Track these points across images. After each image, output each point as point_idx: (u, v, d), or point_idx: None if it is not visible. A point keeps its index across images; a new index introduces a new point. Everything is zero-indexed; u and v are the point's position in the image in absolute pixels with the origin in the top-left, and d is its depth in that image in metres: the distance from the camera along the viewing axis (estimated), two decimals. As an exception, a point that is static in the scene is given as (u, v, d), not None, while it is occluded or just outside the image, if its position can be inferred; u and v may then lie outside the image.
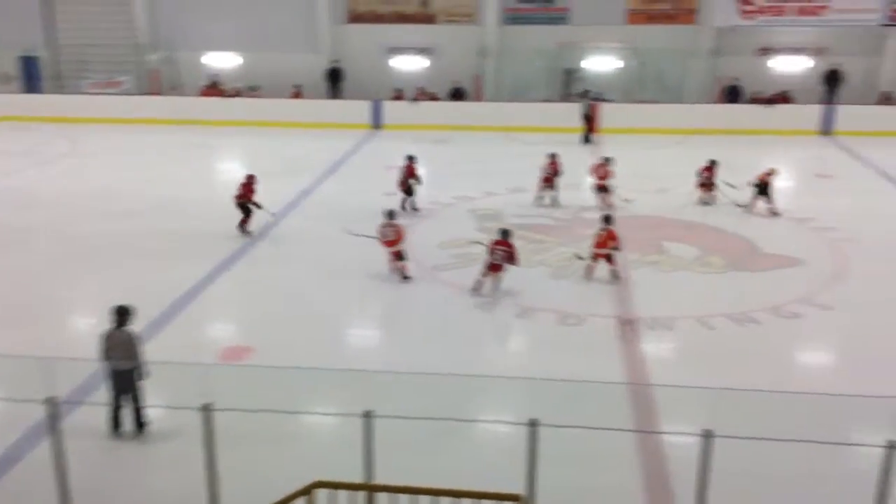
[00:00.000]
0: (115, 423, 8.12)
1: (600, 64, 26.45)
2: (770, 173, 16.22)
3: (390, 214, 12.99)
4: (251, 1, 27.13)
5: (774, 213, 15.93)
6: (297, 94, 26.63)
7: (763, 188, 16.12)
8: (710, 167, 16.96)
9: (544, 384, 8.59)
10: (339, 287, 12.45)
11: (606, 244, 12.57)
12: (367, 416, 6.19)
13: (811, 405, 8.02)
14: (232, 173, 21.39)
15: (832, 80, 24.68)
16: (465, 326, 11.06)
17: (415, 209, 16.40)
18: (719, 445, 6.10)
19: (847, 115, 23.73)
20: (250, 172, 15.37)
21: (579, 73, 26.83)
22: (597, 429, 6.63)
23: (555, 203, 16.82)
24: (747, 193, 16.28)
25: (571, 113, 24.61)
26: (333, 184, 18.90)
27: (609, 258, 12.62)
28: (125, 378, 7.99)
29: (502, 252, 11.97)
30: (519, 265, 12.10)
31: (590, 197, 17.12)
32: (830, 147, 22.72)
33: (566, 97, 26.58)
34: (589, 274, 12.64)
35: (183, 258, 13.51)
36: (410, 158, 16.79)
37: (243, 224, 14.78)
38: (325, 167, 20.10)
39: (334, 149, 21.75)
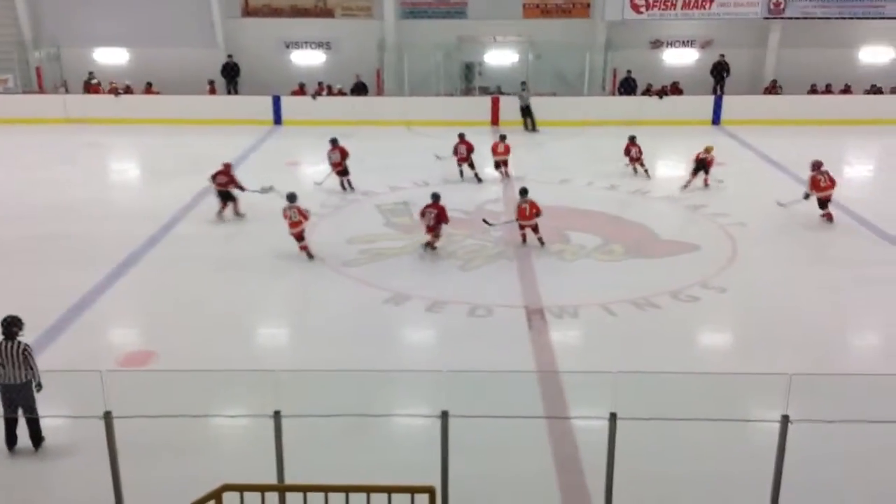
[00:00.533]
0: (9, 439, 7.72)
1: (499, 58, 26.76)
2: (708, 151, 17.52)
3: (291, 198, 13.41)
4: (141, -5, 26.16)
5: (707, 185, 17.46)
6: (213, 90, 25.85)
7: (701, 165, 17.38)
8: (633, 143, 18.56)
9: (456, 376, 8.63)
10: (243, 286, 12.20)
11: (531, 215, 13.70)
12: (277, 416, 6.10)
13: (711, 384, 8.37)
14: (126, 173, 20.72)
15: (719, 71, 25.75)
16: (375, 321, 11.02)
17: (352, 188, 17.47)
18: (626, 427, 6.29)
19: (733, 104, 24.81)
20: (226, 161, 15.91)
21: (479, 67, 27.08)
22: (507, 417, 6.74)
23: (478, 178, 18.21)
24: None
25: (473, 106, 24.85)
26: (234, 182, 18.43)
27: (535, 227, 13.71)
28: (17, 391, 7.62)
29: (434, 213, 13.43)
30: (448, 223, 13.67)
31: (493, 191, 17.37)
32: (719, 136, 23.69)
33: (467, 91, 26.79)
34: (523, 241, 13.95)
35: (77, 262, 12.94)
36: (334, 141, 17.72)
37: (222, 210, 15.30)
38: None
39: (235, 145, 21.22)
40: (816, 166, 15.17)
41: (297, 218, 13.14)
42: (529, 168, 19.44)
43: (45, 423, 7.77)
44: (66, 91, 26.08)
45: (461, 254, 13.54)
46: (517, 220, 13.89)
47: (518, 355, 9.99)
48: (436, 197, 13.71)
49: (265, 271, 12.78)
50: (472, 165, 18.35)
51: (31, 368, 7.64)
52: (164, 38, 26.19)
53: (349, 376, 8.41)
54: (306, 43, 27.05)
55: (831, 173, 15.18)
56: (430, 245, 13.56)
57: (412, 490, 6.00)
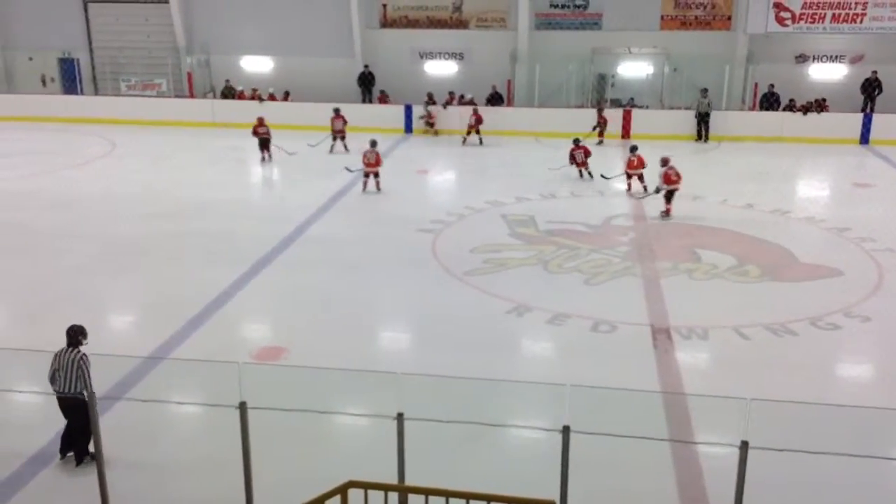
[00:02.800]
0: (62, 445, 7.71)
1: (633, 70, 26.28)
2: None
3: (373, 143, 18.19)
4: (286, 6, 27.36)
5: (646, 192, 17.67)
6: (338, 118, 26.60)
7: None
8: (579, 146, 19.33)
9: (577, 391, 8.52)
10: (369, 288, 12.49)
11: (638, 166, 17.56)
12: (400, 417, 6.20)
13: (849, 418, 7.88)
14: (264, 175, 21.69)
15: (870, 88, 24.31)
16: (497, 331, 11.02)
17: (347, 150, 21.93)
18: (755, 457, 6.01)
19: (886, 123, 23.34)
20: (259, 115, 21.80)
21: (612, 79, 26.70)
22: (629, 437, 6.56)
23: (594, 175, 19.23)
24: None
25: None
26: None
27: (640, 177, 17.43)
28: (68, 404, 7.44)
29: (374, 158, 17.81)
30: (382, 165, 17.84)
31: (622, 206, 17.11)
32: (869, 156, 22.37)
33: (599, 102, 26.46)
34: (628, 191, 17.68)
35: (217, 259, 13.64)
36: (336, 111, 22.83)
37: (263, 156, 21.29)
38: (359, 171, 20.15)
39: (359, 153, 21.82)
40: (665, 162, 16.38)
41: (373, 160, 17.72)
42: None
43: (181, 410, 8.16)
44: (215, 96, 27.61)
45: (586, 268, 13.35)
46: (626, 171, 17.65)
47: (641, 374, 9.73)
48: (373, 143, 18.22)
49: (390, 275, 13.05)
50: (589, 172, 19.29)
51: (84, 379, 7.38)
52: (305, 47, 27.30)
53: (469, 384, 8.44)
54: (440, 53, 27.50)
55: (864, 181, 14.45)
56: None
57: (533, 502, 5.95)
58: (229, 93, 27.61)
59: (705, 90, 23.94)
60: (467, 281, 12.82)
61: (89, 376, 7.41)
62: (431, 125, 24.96)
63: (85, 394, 7.20)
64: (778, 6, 24.40)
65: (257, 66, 28.21)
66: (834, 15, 24.29)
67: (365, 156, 18.06)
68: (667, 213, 16.20)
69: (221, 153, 22.81)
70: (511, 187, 18.48)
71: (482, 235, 15.04)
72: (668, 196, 16.23)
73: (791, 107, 24.20)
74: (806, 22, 24.49)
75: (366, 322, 11.33)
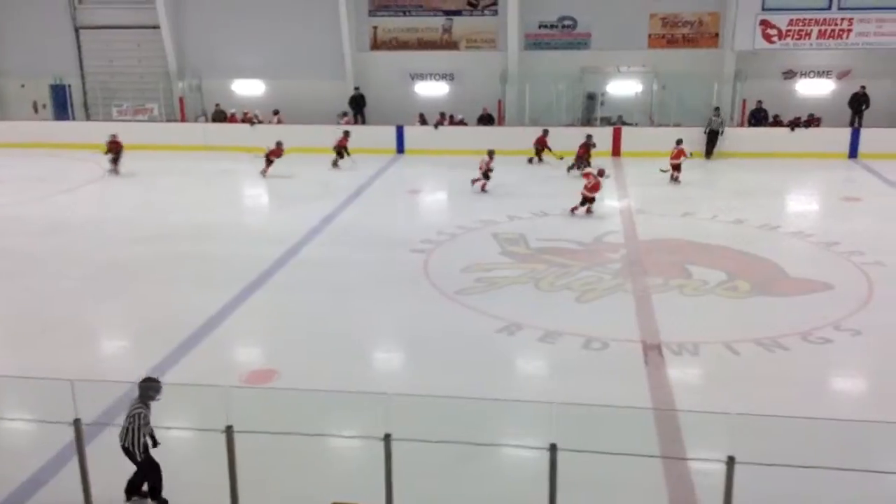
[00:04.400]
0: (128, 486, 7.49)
1: (622, 88, 26.48)
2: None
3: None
4: (278, 30, 27.55)
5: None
6: (349, 121, 26.79)
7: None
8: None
9: (568, 409, 8.51)
10: (360, 310, 12.49)
11: (679, 157, 20.20)
12: (387, 439, 6.19)
13: (840, 432, 7.89)
14: (257, 198, 21.72)
15: (858, 102, 24.51)
16: (488, 350, 11.02)
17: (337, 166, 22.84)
18: (746, 472, 6.01)
19: (873, 137, 23.52)
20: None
21: (602, 98, 26.88)
22: (617, 454, 6.55)
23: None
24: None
25: (594, 137, 24.65)
26: (356, 209, 19.02)
27: (679, 167, 20.08)
28: (125, 454, 7.22)
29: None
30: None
31: (612, 223, 17.20)
32: (857, 170, 22.52)
33: (589, 121, 26.62)
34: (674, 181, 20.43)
35: (208, 282, 13.63)
36: (346, 133, 23.48)
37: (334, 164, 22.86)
38: (349, 192, 20.24)
39: (359, 174, 21.92)
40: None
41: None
42: (649, 200, 19.07)
43: (168, 434, 8.13)
44: (206, 120, 27.71)
45: (577, 285, 13.38)
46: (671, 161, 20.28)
47: (633, 391, 9.73)
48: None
49: (381, 297, 13.05)
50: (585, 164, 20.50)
51: (132, 434, 7.06)
52: (297, 70, 27.46)
53: (461, 403, 8.43)
54: (431, 74, 27.68)
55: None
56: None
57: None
58: (220, 116, 27.74)
59: (717, 108, 24.23)
60: (459, 300, 12.83)
61: (139, 434, 7.06)
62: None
63: (132, 450, 7.09)
64: (765, 23, 24.64)
65: (249, 89, 28.35)
66: (820, 31, 24.53)
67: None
68: (587, 212, 17.75)
69: (213, 176, 22.87)
70: (503, 206, 18.54)
71: (474, 254, 15.07)
72: (587, 201, 17.67)
73: (778, 123, 24.36)
74: (793, 38, 24.72)
75: (357, 343, 11.32)
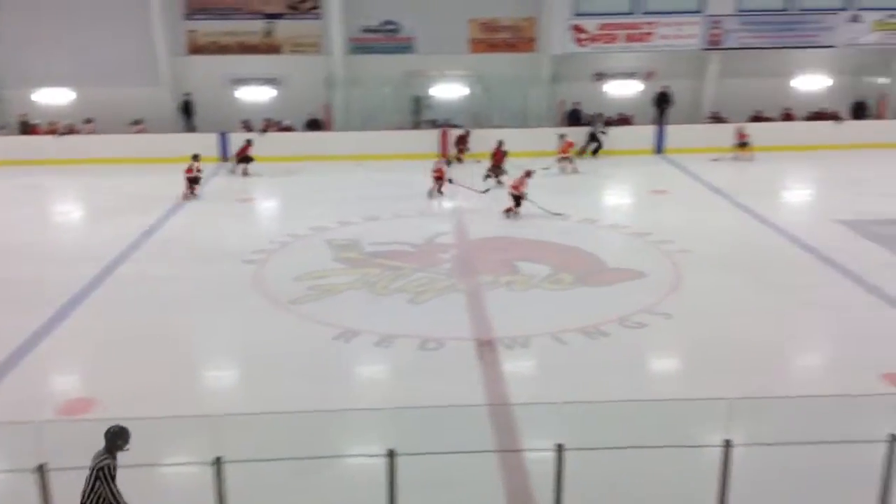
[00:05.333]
0: None
1: (447, 91, 27.04)
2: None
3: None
4: (84, 35, 25.82)
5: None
6: (142, 129, 25.51)
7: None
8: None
9: (406, 412, 8.60)
10: (187, 327, 12.00)
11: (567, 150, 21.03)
12: (218, 462, 5.97)
13: (658, 411, 8.44)
14: (68, 214, 20.29)
15: (662, 101, 26.35)
16: (324, 359, 10.91)
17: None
18: (576, 457, 6.30)
19: (676, 133, 25.37)
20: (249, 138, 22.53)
21: (428, 101, 27.31)
22: (453, 453, 6.68)
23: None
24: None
25: (422, 139, 25.05)
26: (181, 220, 18.22)
27: (571, 160, 20.79)
28: None
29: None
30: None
31: (443, 224, 17.54)
32: (663, 164, 24.19)
33: (416, 124, 26.97)
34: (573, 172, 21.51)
35: (18, 307, 12.59)
36: (248, 141, 22.99)
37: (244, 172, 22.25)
38: (171, 203, 19.38)
39: (179, 182, 21.00)
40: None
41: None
42: (478, 200, 19.59)
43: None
44: (6, 133, 25.58)
45: (411, 287, 13.52)
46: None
47: (470, 388, 9.95)
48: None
49: (208, 311, 12.61)
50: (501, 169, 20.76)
51: (101, 492, 6.34)
52: (109, 77, 25.87)
53: (298, 416, 8.29)
54: (254, 79, 26.97)
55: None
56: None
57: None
58: (26, 128, 25.71)
59: (601, 114, 25.55)
60: (293, 310, 12.61)
61: (114, 490, 6.34)
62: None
63: None
64: (576, 28, 25.94)
65: (55, 98, 26.41)
66: (627, 35, 26.12)
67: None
68: (508, 212, 17.92)
69: (17, 192, 21.14)
70: (334, 212, 18.41)
71: (306, 262, 14.85)
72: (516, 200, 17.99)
73: (591, 122, 25.78)
74: (602, 42, 26.18)
75: (187, 362, 10.85)
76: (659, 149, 25.36)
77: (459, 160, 21.76)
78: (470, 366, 10.58)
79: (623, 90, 27.18)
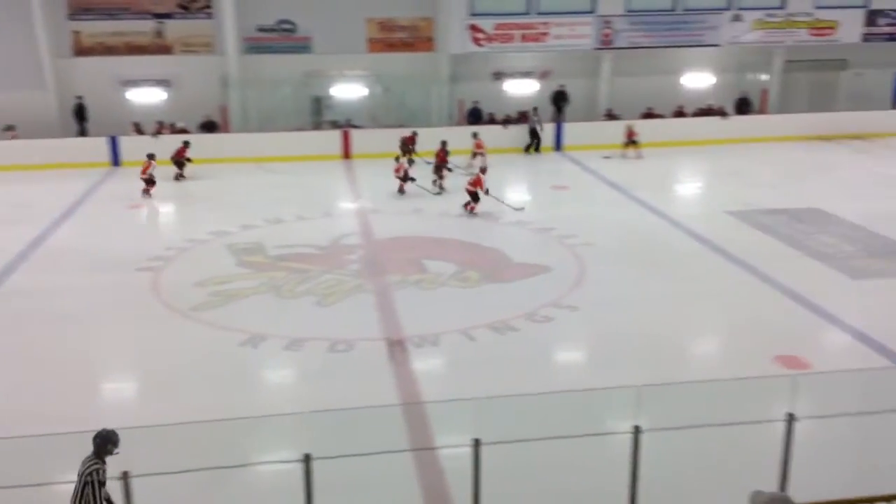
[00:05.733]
0: None
1: (347, 91, 26.82)
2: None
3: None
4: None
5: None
6: (15, 136, 24.10)
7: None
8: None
9: (320, 415, 8.47)
10: (84, 339, 11.46)
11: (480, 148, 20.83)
12: (125, 477, 5.72)
13: (568, 401, 8.60)
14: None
15: (559, 100, 26.93)
16: (231, 366, 10.63)
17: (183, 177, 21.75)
18: (494, 451, 6.35)
19: (574, 130, 25.96)
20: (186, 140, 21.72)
21: (328, 101, 27.03)
22: (367, 455, 6.62)
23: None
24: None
25: (324, 140, 24.75)
26: (70, 229, 17.38)
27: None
28: None
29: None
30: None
31: (349, 224, 17.39)
32: (563, 161, 24.72)
33: (317, 125, 26.65)
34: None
35: None
36: (186, 143, 22.31)
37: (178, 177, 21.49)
38: (58, 212, 18.46)
39: (67, 191, 20.06)
40: (483, 170, 19.13)
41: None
42: (382, 199, 19.52)
43: None
44: None
45: (319, 290, 13.33)
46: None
47: (381, 388, 9.91)
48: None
49: (108, 323, 12.09)
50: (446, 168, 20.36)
51: (89, 497, 6.14)
52: (-12, 80, 24.46)
53: (206, 426, 8.03)
54: (144, 81, 26.02)
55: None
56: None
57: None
58: None
59: (535, 108, 25.59)
60: (195, 317, 12.23)
61: (97, 496, 6.09)
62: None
63: None
64: (473, 28, 26.20)
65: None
66: (523, 35, 26.57)
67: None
68: (467, 207, 18.07)
69: None
70: (235, 215, 17.95)
71: (207, 268, 14.43)
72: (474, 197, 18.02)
73: (493, 121, 26.10)
74: (499, 42, 26.54)
75: (83, 378, 10.36)
76: (558, 146, 25.89)
77: (411, 161, 21.69)
78: (381, 366, 10.53)
79: (521, 89, 27.63)
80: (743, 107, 27.97)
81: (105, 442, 6.25)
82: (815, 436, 7.64)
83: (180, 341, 11.48)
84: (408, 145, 23.07)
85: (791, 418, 6.42)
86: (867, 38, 27.66)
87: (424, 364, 10.67)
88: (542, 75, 27.76)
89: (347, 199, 19.75)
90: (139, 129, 24.66)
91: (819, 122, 26.80)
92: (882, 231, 16.08)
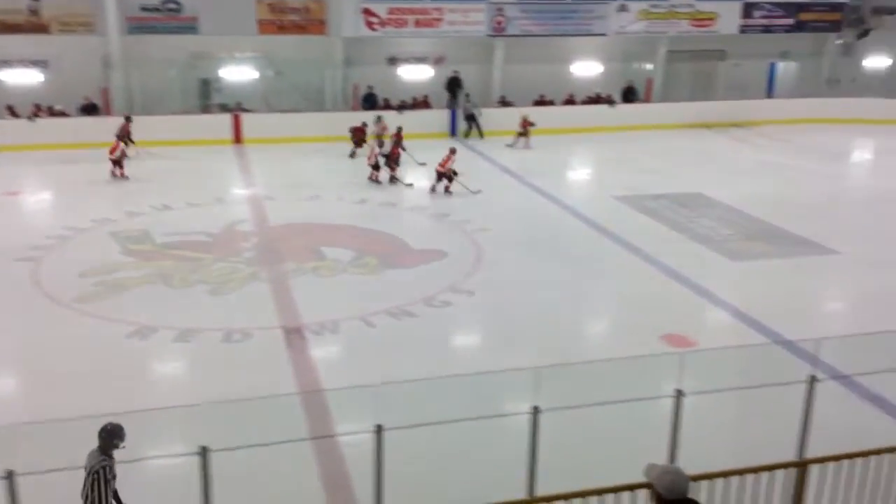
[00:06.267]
0: None
1: (237, 74, 26.10)
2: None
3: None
4: None
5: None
6: None
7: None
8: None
9: (216, 407, 8.27)
10: (-42, 336, 10.77)
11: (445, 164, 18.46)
12: (9, 476, 5.42)
13: (470, 384, 8.72)
14: None
15: (453, 86, 27.06)
16: (120, 359, 10.22)
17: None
18: (394, 437, 6.35)
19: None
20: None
21: (217, 84, 26.23)
22: (267, 445, 6.52)
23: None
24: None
25: (213, 124, 24.05)
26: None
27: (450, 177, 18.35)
28: None
29: None
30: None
31: (241, 211, 16.98)
32: (458, 147, 24.85)
33: (206, 109, 25.84)
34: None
35: None
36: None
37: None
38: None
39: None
40: (454, 151, 18.88)
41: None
42: (276, 185, 19.16)
43: None
44: None
45: (212, 279, 12.98)
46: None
47: (280, 377, 9.76)
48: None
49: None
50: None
51: (97, 494, 6.10)
52: None
53: (94, 421, 7.68)
54: (19, 61, 24.50)
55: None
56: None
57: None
58: None
59: (468, 95, 25.82)
60: (79, 308, 11.69)
61: (105, 492, 6.08)
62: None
63: None
64: (367, 12, 25.93)
65: None
66: (417, 20, 26.51)
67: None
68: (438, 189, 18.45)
69: None
70: (119, 202, 17.23)
71: (91, 257, 13.79)
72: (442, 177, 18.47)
73: (389, 106, 26.00)
74: (393, 27, 26.39)
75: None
76: (453, 132, 26.05)
77: (359, 146, 21.56)
78: (279, 355, 10.37)
79: (416, 75, 27.61)
80: (629, 95, 28.93)
81: (111, 437, 6.21)
82: (702, 410, 8.03)
83: (63, 334, 10.95)
84: (358, 135, 22.81)
85: (679, 394, 6.70)
86: (744, 29, 29.08)
87: (323, 352, 10.58)
88: (437, 61, 27.83)
89: (240, 184, 19.27)
90: (14, 112, 23.26)
91: (700, 111, 28.02)
92: (758, 214, 17.01)
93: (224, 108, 25.52)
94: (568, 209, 17.51)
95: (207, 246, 14.61)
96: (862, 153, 26.46)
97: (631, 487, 5.76)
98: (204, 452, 5.80)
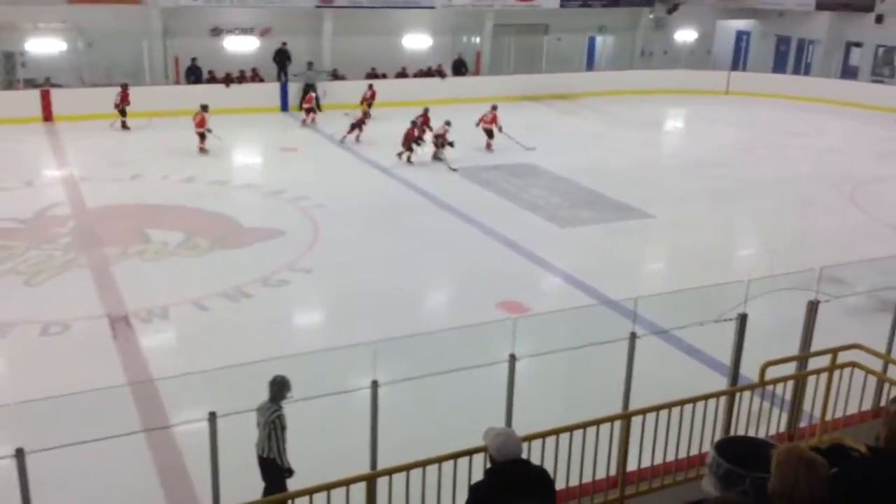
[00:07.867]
0: None
1: (45, 46, 24.09)
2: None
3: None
4: None
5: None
6: None
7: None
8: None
9: (35, 405, 7.70)
10: None
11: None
12: None
13: (308, 362, 8.60)
14: None
15: (282, 58, 26.32)
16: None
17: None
18: (226, 422, 6.17)
19: (294, 91, 25.50)
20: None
21: (22, 58, 24.10)
22: (90, 441, 6.15)
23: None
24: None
25: (20, 101, 22.16)
26: None
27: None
28: (263, 467, 6.77)
29: None
30: None
31: (55, 194, 15.82)
32: (289, 122, 24.31)
33: (10, 84, 23.72)
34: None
35: None
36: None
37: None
38: None
39: None
40: (496, 107, 20.65)
41: None
42: (93, 165, 17.97)
43: None
44: None
45: (24, 268, 12.04)
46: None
47: (106, 369, 9.21)
48: None
49: None
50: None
51: (275, 442, 6.62)
52: None
53: None
54: None
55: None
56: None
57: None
58: None
59: (311, 63, 25.30)
60: None
61: (280, 443, 6.67)
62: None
63: (278, 459, 6.70)
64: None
65: None
66: (240, -11, 25.53)
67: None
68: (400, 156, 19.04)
69: None
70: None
71: None
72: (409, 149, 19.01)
73: (213, 79, 24.94)
74: (214, -5, 25.27)
75: None
76: (284, 106, 25.42)
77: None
78: (104, 346, 9.81)
79: (242, 46, 26.62)
80: (460, 68, 29.36)
81: (282, 388, 6.67)
82: (536, 372, 8.37)
83: None
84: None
85: (513, 358, 6.94)
86: (564, 4, 30.17)
87: (153, 339, 10.11)
88: (263, 32, 26.97)
89: (52, 166, 17.90)
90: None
91: (526, 83, 28.87)
92: (584, 183, 17.85)
93: (31, 84, 23.53)
94: (404, 182, 17.62)
95: (17, 233, 13.51)
96: (674, 122, 28.33)
97: (469, 453, 5.91)
98: (20, 455, 5.40)
